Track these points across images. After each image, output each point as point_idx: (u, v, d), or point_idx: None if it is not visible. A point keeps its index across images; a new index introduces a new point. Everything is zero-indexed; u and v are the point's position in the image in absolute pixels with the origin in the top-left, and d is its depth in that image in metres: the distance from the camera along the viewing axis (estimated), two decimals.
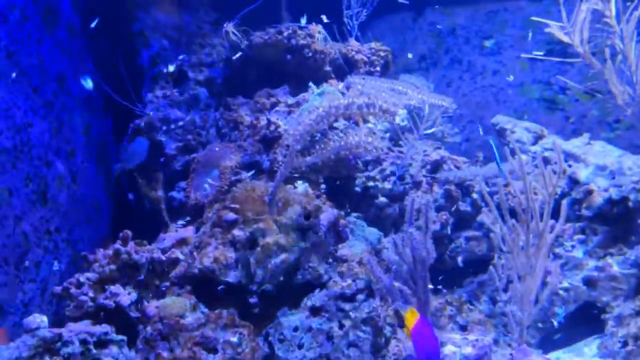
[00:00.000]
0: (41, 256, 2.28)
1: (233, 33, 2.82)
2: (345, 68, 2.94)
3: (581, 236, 2.64)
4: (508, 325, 1.78)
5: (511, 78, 3.17)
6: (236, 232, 1.81)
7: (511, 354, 1.73)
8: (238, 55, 2.81)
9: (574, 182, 2.76)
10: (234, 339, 1.53)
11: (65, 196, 2.49)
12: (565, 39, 2.66)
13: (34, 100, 2.35)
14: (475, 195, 3.02)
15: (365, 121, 2.49)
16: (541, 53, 3.66)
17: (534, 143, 3.30)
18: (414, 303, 1.70)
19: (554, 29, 2.64)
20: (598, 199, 2.61)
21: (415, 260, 1.68)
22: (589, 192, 2.66)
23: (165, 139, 2.72)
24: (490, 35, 4.35)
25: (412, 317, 1.49)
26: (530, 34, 3.77)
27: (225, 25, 2.82)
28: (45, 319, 1.55)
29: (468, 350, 1.64)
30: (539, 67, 4.20)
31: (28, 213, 2.21)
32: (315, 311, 1.77)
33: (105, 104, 2.88)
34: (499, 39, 4.37)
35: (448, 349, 1.64)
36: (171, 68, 2.64)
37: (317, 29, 2.75)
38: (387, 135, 2.96)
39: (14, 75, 2.19)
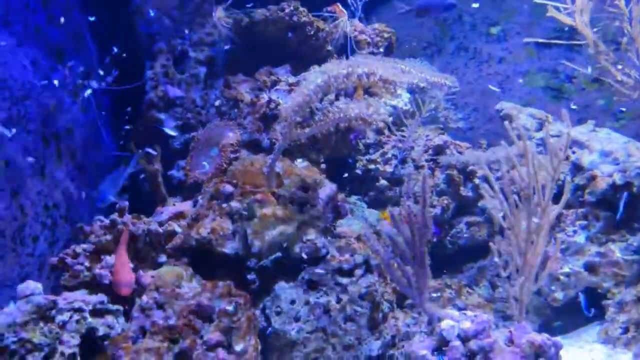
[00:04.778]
0: (39, 231, 2.27)
1: (224, 19, 2.78)
2: (347, 48, 2.90)
3: (583, 222, 2.61)
4: (507, 302, 1.75)
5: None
6: (233, 203, 1.78)
7: (510, 331, 1.70)
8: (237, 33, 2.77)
9: (577, 168, 2.72)
10: (230, 308, 1.51)
11: (63, 173, 2.47)
12: (568, 20, 2.61)
13: (32, 73, 2.33)
14: (477, 181, 2.99)
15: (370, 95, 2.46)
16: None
17: (539, 129, 3.27)
18: (412, 277, 1.67)
19: (554, 11, 2.60)
20: (601, 184, 2.57)
21: (413, 234, 1.65)
22: (593, 178, 2.62)
23: (165, 117, 2.70)
24: (497, 22, 4.31)
25: None
26: None
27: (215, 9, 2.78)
28: (40, 286, 1.53)
29: (467, 325, 1.61)
30: (546, 55, 4.15)
31: (25, 186, 2.20)
32: (312, 285, 1.75)
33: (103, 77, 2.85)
34: (506, 26, 4.33)
35: (446, 324, 1.61)
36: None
37: (341, 9, 2.71)
38: (390, 118, 2.93)
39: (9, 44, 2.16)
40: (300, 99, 1.73)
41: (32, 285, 1.52)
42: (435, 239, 2.36)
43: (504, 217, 2.03)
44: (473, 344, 1.60)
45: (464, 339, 1.61)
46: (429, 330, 1.67)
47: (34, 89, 2.34)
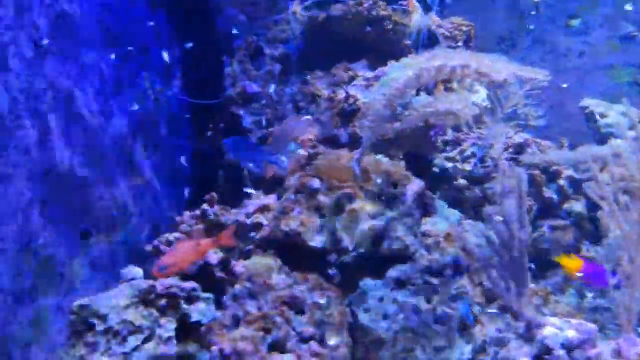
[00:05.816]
0: (128, 219, 2.37)
1: (299, 15, 2.80)
2: (426, 42, 2.83)
3: None
4: (616, 311, 1.62)
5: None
6: (321, 197, 1.77)
7: (617, 343, 1.57)
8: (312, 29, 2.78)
9: None
10: (322, 301, 1.50)
11: (148, 164, 2.58)
12: None
13: (120, 69, 2.43)
14: (562, 182, 2.83)
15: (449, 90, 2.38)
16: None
17: (630, 128, 3.03)
18: (510, 281, 1.59)
19: None
20: None
21: (512, 234, 1.57)
22: None
23: (243, 113, 2.75)
24: (577, 14, 4.07)
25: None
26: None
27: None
28: (141, 271, 1.58)
29: (571, 333, 1.50)
30: (632, 49, 3.88)
31: (117, 176, 2.30)
32: (400, 283, 1.70)
33: (183, 76, 2.94)
34: (587, 18, 4.08)
35: (548, 331, 1.51)
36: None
37: (414, 3, 2.65)
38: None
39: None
40: (390, 93, 1.68)
41: (134, 270, 1.57)
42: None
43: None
44: (578, 354, 1.50)
45: (568, 348, 1.51)
46: (528, 337, 1.57)
47: (122, 84, 2.45)
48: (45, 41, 1.94)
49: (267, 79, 2.88)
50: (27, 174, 1.88)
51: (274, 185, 2.37)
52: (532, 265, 1.72)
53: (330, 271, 1.85)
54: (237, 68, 2.85)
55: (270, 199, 2.06)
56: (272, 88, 2.80)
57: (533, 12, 3.55)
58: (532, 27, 3.52)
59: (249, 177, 2.39)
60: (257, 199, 2.08)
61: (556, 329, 1.52)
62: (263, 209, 1.97)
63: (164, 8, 2.88)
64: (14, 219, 1.84)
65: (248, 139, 2.30)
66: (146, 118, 2.60)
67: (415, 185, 1.86)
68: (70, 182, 2.07)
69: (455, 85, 2.95)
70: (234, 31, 2.70)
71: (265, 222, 1.88)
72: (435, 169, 2.69)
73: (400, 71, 1.79)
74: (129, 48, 2.37)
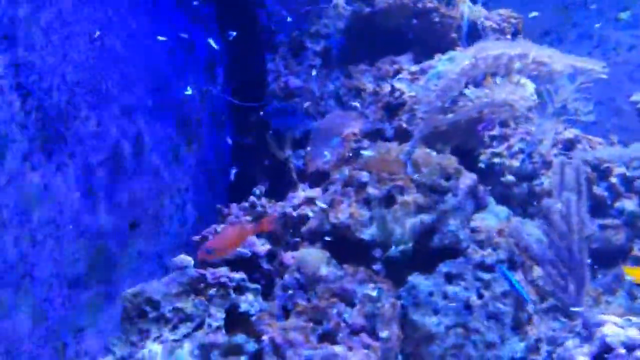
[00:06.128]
0: (173, 212, 2.42)
1: (341, 8, 2.79)
2: (469, 33, 2.77)
3: None
4: None
5: None
6: (370, 190, 1.75)
7: None
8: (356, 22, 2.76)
9: None
10: (374, 294, 1.48)
11: (192, 158, 2.62)
12: None
13: (168, 64, 2.48)
14: (613, 179, 2.72)
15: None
16: None
17: None
18: (568, 279, 1.53)
19: None
20: None
21: (570, 229, 1.51)
22: None
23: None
24: (626, 6, 3.89)
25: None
26: None
27: None
28: (191, 260, 1.61)
29: (633, 332, 1.44)
30: None
31: (164, 169, 2.36)
32: (451, 278, 1.67)
33: (227, 72, 2.97)
34: (638, 10, 3.90)
35: (609, 330, 1.45)
36: None
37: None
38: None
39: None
40: (445, 83, 1.65)
41: (186, 259, 1.60)
42: None
43: None
44: None
45: (630, 347, 1.44)
46: (586, 336, 1.51)
47: (170, 79, 2.50)
48: (98, 33, 2.00)
49: (309, 74, 2.88)
50: (82, 165, 1.94)
51: (318, 178, 2.37)
52: (590, 261, 1.66)
53: (378, 265, 1.83)
54: (280, 63, 2.86)
55: (316, 192, 2.06)
56: (314, 83, 2.80)
57: (593, 6, 3.42)
58: (598, 25, 3.40)
59: (294, 170, 2.40)
60: (303, 191, 2.08)
61: (617, 327, 1.46)
62: (309, 201, 1.97)
63: (209, 5, 2.92)
64: (70, 208, 1.91)
65: (289, 106, 2.30)
66: (190, 113, 2.65)
67: (468, 179, 1.82)
68: (121, 174, 2.13)
69: (499, 80, 2.88)
70: (289, 19, 2.70)
71: (311, 214, 1.87)
72: (481, 165, 2.62)
73: (450, 63, 1.76)
74: (182, 35, 2.41)
